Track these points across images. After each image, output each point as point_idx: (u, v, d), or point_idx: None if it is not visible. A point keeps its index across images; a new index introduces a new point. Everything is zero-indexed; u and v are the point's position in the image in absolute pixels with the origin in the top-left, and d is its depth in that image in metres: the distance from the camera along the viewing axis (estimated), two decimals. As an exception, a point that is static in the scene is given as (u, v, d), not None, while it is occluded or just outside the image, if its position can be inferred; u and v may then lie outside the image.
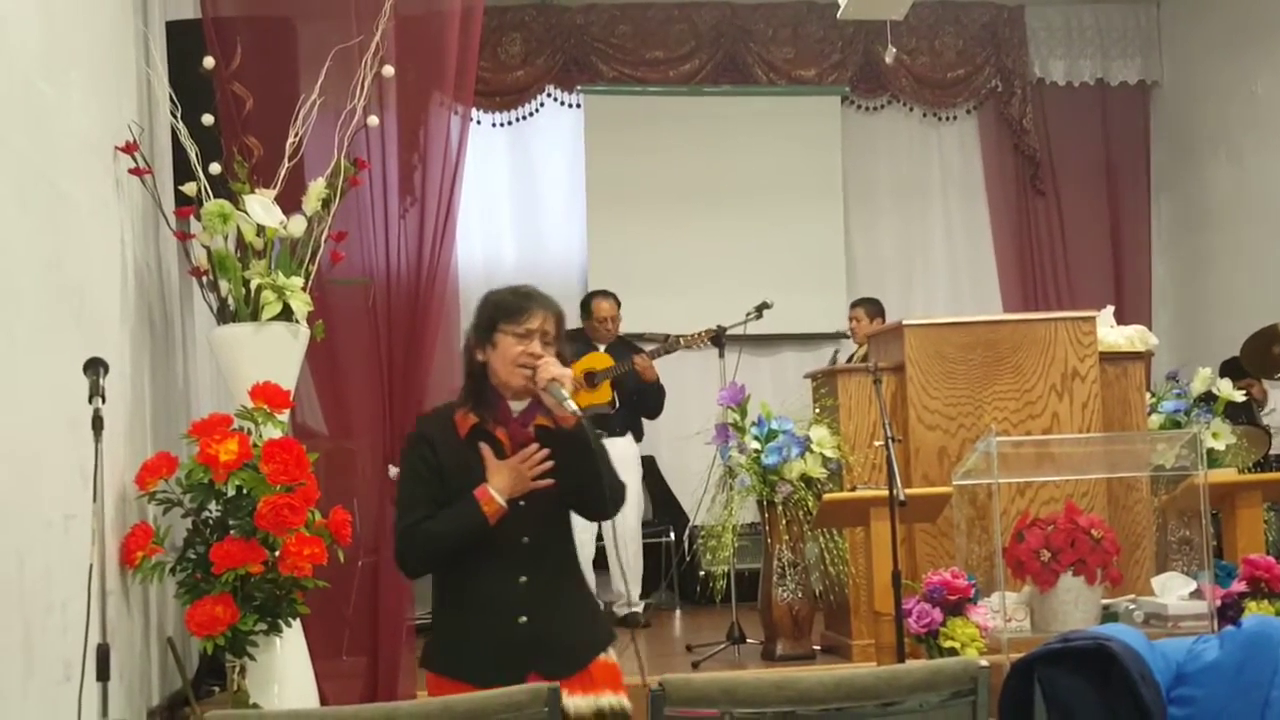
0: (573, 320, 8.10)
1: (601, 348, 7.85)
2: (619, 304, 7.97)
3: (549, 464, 3.31)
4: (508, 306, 3.36)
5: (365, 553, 5.30)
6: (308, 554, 4.23)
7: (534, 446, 3.31)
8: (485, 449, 3.32)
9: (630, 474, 7.86)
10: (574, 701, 3.24)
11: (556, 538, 3.45)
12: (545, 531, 3.39)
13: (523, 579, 3.33)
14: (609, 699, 3.34)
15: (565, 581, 3.47)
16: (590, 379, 7.62)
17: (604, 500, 3.39)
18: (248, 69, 5.14)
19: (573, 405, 3.25)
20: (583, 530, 7.55)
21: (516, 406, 3.40)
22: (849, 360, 8.44)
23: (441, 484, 3.33)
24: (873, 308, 8.57)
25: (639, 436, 7.98)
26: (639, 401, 7.86)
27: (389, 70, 5.18)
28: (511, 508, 3.29)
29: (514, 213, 9.87)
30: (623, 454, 7.80)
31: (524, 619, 3.31)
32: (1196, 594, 5.12)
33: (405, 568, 3.45)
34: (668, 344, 7.66)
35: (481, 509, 3.26)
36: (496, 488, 3.28)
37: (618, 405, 7.73)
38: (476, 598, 3.34)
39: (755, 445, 6.11)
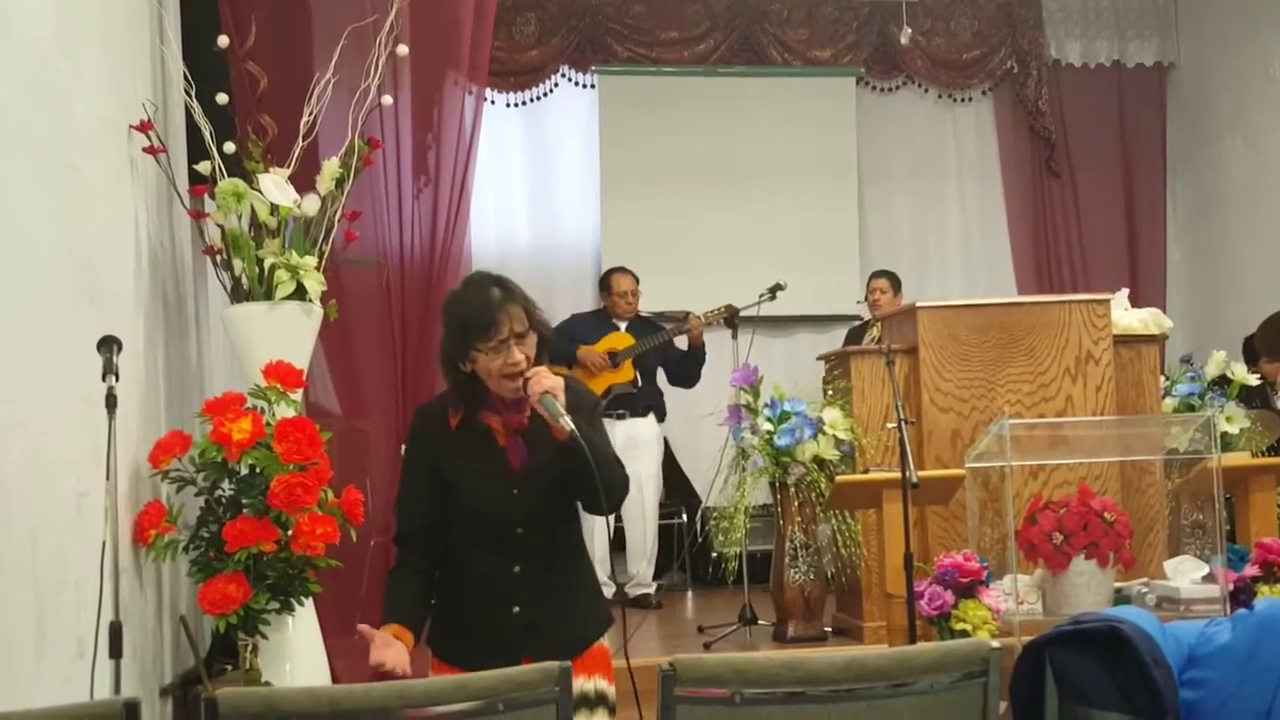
0: (592, 300, 8.13)
1: (623, 326, 7.85)
2: (637, 280, 7.97)
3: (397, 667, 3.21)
4: (474, 326, 3.25)
5: (377, 532, 5.32)
6: (320, 533, 4.24)
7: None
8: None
9: (651, 455, 7.88)
10: None
11: (554, 526, 3.40)
12: (541, 521, 3.34)
13: (516, 568, 3.32)
14: (594, 683, 3.34)
15: (562, 569, 3.42)
16: (613, 358, 7.62)
17: (600, 503, 3.28)
18: (262, 47, 5.14)
19: (567, 421, 3.15)
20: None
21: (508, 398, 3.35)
22: (859, 334, 8.42)
23: (434, 480, 3.35)
24: (894, 281, 8.53)
25: (661, 416, 7.99)
26: (679, 369, 7.86)
27: (403, 49, 5.17)
28: (505, 497, 3.29)
29: (528, 193, 9.86)
30: (645, 435, 7.82)
31: (517, 609, 3.30)
32: (1209, 578, 5.11)
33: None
34: (685, 323, 7.66)
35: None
36: (376, 660, 3.19)
37: (640, 384, 7.73)
38: (471, 586, 3.35)
39: (768, 427, 6.11)
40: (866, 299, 8.44)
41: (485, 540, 3.32)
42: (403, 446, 3.56)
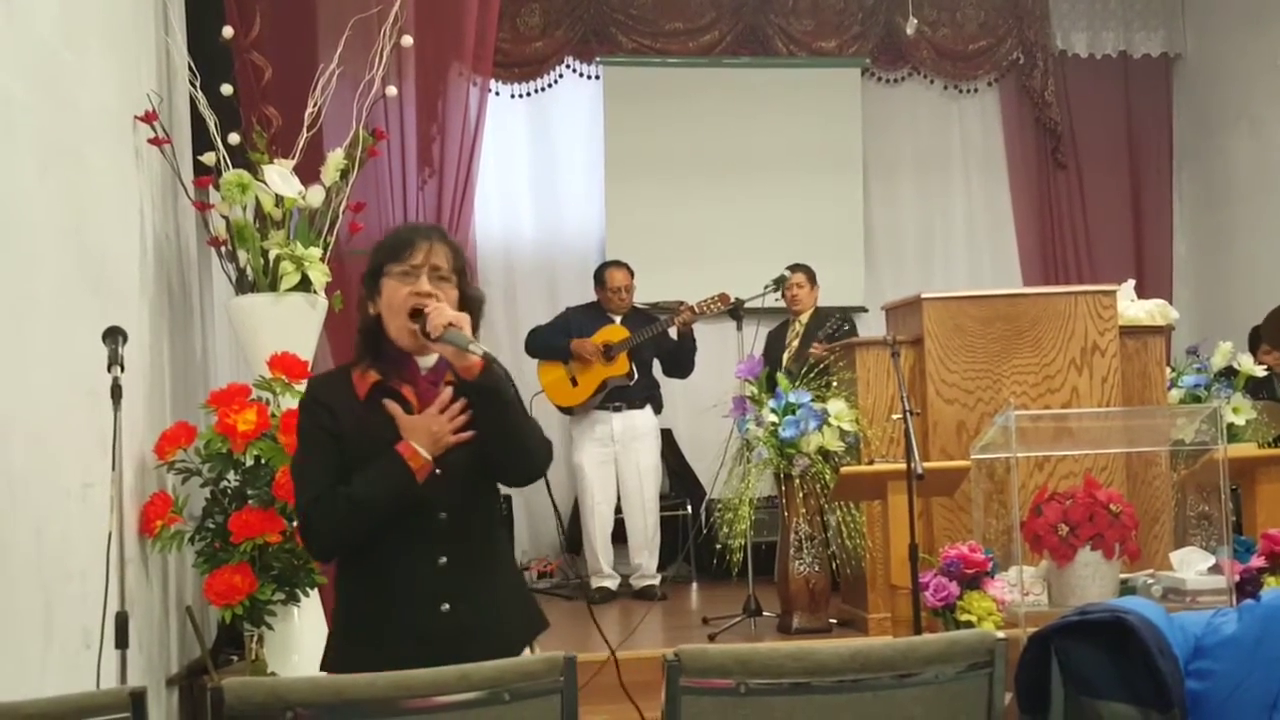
0: (588, 293, 8.12)
1: (618, 319, 7.84)
2: (632, 274, 7.96)
3: (465, 417, 2.88)
4: (388, 244, 2.96)
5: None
6: (326, 524, 4.23)
7: (448, 394, 2.90)
8: (392, 404, 2.90)
9: (649, 446, 7.87)
10: None
11: (479, 511, 3.02)
12: (465, 505, 2.96)
13: (442, 560, 2.92)
14: None
15: (490, 562, 3.04)
16: (607, 351, 7.62)
17: (530, 456, 2.96)
18: (267, 38, 5.15)
19: (478, 347, 2.81)
20: (603, 503, 7.69)
21: (425, 364, 3.00)
22: (780, 333, 8.28)
23: (343, 451, 2.89)
24: (810, 274, 8.25)
25: (658, 408, 7.98)
26: (671, 359, 7.85)
27: (408, 40, 5.17)
28: (425, 480, 2.88)
29: (532, 184, 9.84)
30: (642, 426, 7.82)
31: (446, 606, 2.91)
32: (1215, 569, 5.10)
33: (317, 544, 2.95)
34: (681, 312, 7.64)
35: (407, 465, 2.85)
36: (416, 442, 2.86)
37: (636, 376, 7.72)
38: (390, 584, 2.92)
39: (773, 418, 6.10)
40: (783, 294, 8.17)
41: (402, 529, 2.89)
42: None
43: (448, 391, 2.91)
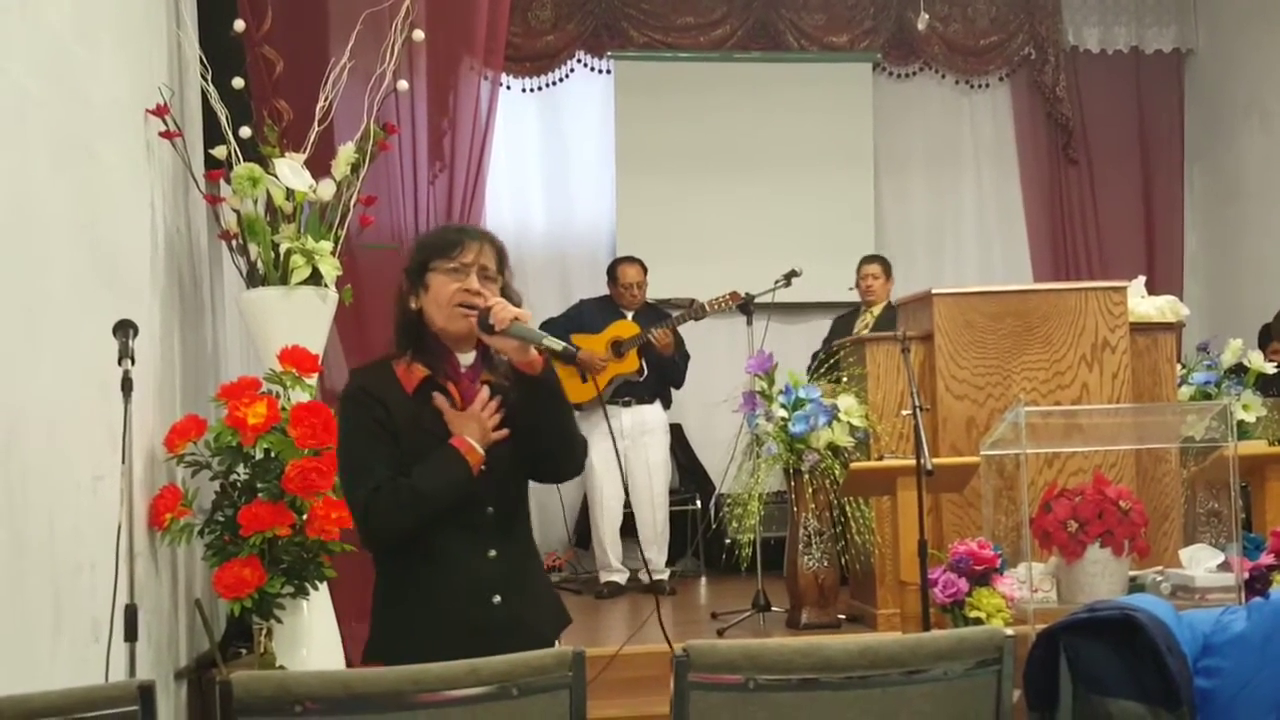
0: (599, 286, 8.12)
1: (629, 315, 7.83)
2: (645, 270, 7.95)
3: (499, 416, 2.98)
4: (437, 242, 3.03)
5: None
6: (335, 517, 4.25)
7: (485, 393, 2.98)
8: (441, 400, 2.98)
9: (659, 442, 7.88)
10: None
11: (519, 506, 3.14)
12: (508, 500, 3.06)
13: (492, 553, 3.00)
14: None
15: (529, 557, 3.16)
16: (617, 348, 7.62)
17: (577, 450, 3.08)
18: (278, 32, 5.15)
19: (551, 341, 2.88)
20: (612, 498, 7.69)
21: (464, 361, 3.06)
22: (849, 321, 8.35)
23: (393, 445, 2.96)
24: (887, 265, 8.40)
25: (667, 404, 7.98)
26: (658, 372, 7.85)
27: (419, 34, 5.17)
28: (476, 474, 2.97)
29: (543, 179, 9.84)
30: (652, 421, 7.82)
31: (498, 598, 2.99)
32: (1224, 566, 5.10)
33: (377, 535, 2.99)
34: (693, 310, 7.63)
35: (465, 459, 2.92)
36: (470, 438, 2.94)
37: (646, 373, 7.72)
38: (441, 578, 2.98)
39: (782, 413, 6.10)
40: (858, 285, 8.34)
41: (454, 523, 2.97)
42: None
43: (485, 391, 2.99)
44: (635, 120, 9.69)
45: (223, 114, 4.85)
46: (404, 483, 2.91)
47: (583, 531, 8.45)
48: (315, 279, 4.76)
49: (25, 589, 3.19)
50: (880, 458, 6.10)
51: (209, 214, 5.18)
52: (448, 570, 2.99)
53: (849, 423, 6.11)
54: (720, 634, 6.21)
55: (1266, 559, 5.10)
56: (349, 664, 4.70)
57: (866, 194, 10.01)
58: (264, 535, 4.22)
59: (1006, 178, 10.40)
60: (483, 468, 2.95)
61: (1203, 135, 10.44)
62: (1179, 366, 6.70)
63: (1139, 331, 6.40)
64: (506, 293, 3.05)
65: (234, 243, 4.84)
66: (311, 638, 4.56)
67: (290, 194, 4.73)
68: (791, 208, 9.72)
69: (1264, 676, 2.73)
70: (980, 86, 10.43)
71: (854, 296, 8.49)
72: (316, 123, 4.94)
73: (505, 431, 2.98)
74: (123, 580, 3.52)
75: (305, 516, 4.27)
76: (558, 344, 2.90)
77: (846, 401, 6.15)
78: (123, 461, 3.58)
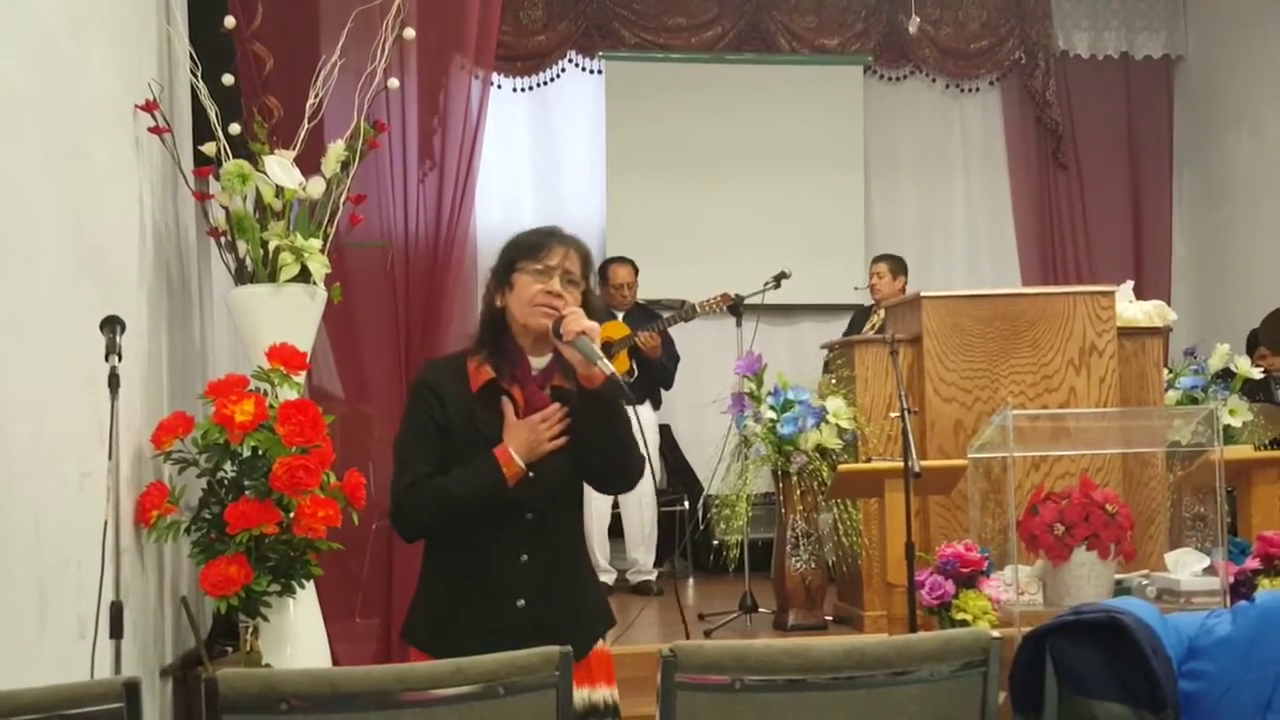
0: (596, 285, 8.11)
1: (619, 315, 7.83)
2: (636, 270, 7.95)
3: (563, 426, 3.05)
4: (525, 243, 3.10)
5: (379, 515, 5.31)
6: (322, 516, 4.24)
7: (554, 406, 3.05)
8: (507, 405, 3.05)
9: (648, 441, 7.85)
10: None
11: (563, 514, 3.18)
12: (551, 507, 3.11)
13: (524, 558, 3.05)
14: (602, 693, 3.13)
15: (568, 562, 3.19)
16: (606, 349, 7.60)
17: (629, 469, 3.15)
18: (269, 29, 5.13)
19: (606, 363, 2.94)
20: (600, 498, 7.67)
21: (537, 365, 3.12)
22: (861, 319, 8.40)
23: (447, 440, 3.05)
24: (896, 265, 8.47)
25: (656, 405, 7.98)
26: (648, 374, 7.84)
27: (410, 32, 5.16)
28: (518, 483, 3.02)
29: (533, 178, 9.85)
30: (641, 421, 7.78)
31: (522, 602, 3.04)
32: (1210, 570, 5.11)
33: (406, 528, 3.11)
34: (683, 311, 7.63)
35: (502, 470, 2.98)
36: (514, 449, 3.00)
37: (636, 373, 7.72)
38: (471, 575, 3.07)
39: (771, 415, 6.11)
40: (869, 283, 8.43)
41: (490, 524, 3.03)
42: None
43: (555, 405, 3.06)
44: (626, 121, 9.70)
45: (212, 110, 4.84)
46: (437, 483, 3.01)
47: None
48: (304, 277, 4.74)
49: (11, 585, 3.18)
50: (868, 460, 6.10)
51: (198, 210, 5.16)
52: (478, 569, 3.07)
53: (837, 425, 6.12)
54: (707, 635, 6.22)
55: (1251, 563, 5.11)
56: (335, 663, 4.70)
57: (856, 196, 10.03)
58: (251, 533, 4.20)
59: (996, 181, 10.43)
60: (529, 475, 3.02)
61: (1191, 140, 10.48)
62: (1166, 371, 6.71)
63: (1126, 336, 6.42)
64: (589, 299, 3.13)
65: (223, 240, 4.82)
66: (298, 636, 4.54)
67: (280, 191, 4.71)
68: (782, 209, 9.74)
69: (1249, 680, 2.74)
70: (970, 90, 10.46)
71: (864, 295, 8.53)
72: (306, 120, 4.92)
73: (560, 442, 3.04)
74: (109, 577, 3.50)
75: (292, 514, 4.25)
76: (609, 368, 2.95)
77: (835, 404, 6.16)
78: (109, 458, 3.57)
